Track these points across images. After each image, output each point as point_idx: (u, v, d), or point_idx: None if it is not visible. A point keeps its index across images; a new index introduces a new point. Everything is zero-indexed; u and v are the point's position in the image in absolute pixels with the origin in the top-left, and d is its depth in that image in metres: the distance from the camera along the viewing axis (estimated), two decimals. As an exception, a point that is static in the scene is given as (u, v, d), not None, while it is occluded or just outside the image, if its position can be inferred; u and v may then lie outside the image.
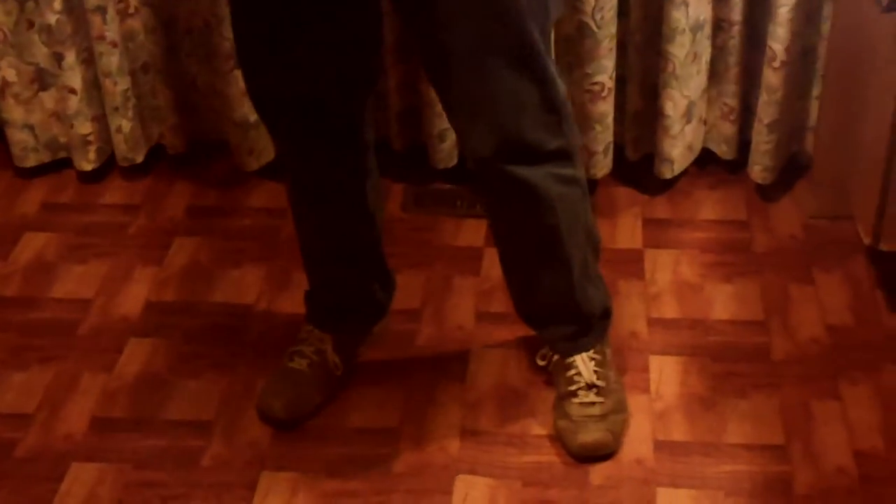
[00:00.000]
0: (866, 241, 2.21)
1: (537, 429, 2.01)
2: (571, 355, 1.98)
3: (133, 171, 2.66)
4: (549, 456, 1.96)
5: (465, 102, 1.72)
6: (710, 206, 2.50)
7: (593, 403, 1.95)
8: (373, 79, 1.89)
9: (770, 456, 1.94)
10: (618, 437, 1.95)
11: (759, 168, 2.47)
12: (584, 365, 1.97)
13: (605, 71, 2.38)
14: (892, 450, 1.95)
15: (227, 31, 2.41)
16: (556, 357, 2.01)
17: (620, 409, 1.98)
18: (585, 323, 1.98)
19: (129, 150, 2.61)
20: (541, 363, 2.06)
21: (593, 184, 2.53)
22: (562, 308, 1.96)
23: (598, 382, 1.96)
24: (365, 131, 1.91)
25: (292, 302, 2.27)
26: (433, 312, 2.26)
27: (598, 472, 1.92)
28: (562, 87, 1.74)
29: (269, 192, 2.60)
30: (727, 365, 2.12)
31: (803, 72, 2.42)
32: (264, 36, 1.75)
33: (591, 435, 1.92)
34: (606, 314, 2.01)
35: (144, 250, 2.46)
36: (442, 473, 1.94)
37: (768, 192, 2.51)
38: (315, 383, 2.04)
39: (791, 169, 2.54)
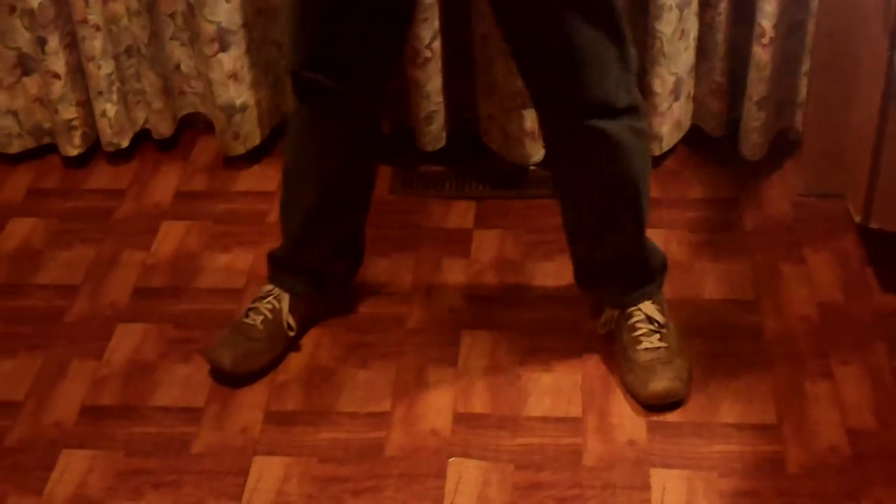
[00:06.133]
0: (857, 218, 2.21)
1: (529, 411, 2.00)
2: (636, 304, 2.02)
3: (118, 156, 2.64)
4: (541, 438, 1.96)
5: (543, 59, 1.79)
6: (698, 184, 2.49)
7: (658, 348, 1.99)
8: (401, 49, 2.02)
9: (762, 435, 1.94)
10: (686, 383, 1.99)
11: (749, 145, 2.47)
12: (648, 310, 2.02)
13: (593, 50, 2.36)
14: (884, 428, 1.95)
15: (210, 15, 2.39)
16: (617, 313, 2.04)
17: (684, 355, 2.02)
18: (648, 273, 2.03)
19: (115, 134, 2.59)
20: (602, 332, 2.08)
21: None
22: (628, 261, 2.01)
23: (663, 324, 2.01)
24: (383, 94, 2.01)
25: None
26: (423, 295, 2.25)
27: (591, 454, 1.92)
28: (632, 45, 1.82)
29: (256, 177, 2.58)
30: (719, 344, 2.11)
31: (792, 48, 2.41)
32: (322, 9, 1.84)
33: (660, 383, 1.96)
34: (665, 264, 2.07)
35: (131, 235, 2.44)
36: (434, 457, 1.93)
37: (757, 170, 2.50)
38: (266, 340, 2.08)
39: (780, 146, 2.53)
